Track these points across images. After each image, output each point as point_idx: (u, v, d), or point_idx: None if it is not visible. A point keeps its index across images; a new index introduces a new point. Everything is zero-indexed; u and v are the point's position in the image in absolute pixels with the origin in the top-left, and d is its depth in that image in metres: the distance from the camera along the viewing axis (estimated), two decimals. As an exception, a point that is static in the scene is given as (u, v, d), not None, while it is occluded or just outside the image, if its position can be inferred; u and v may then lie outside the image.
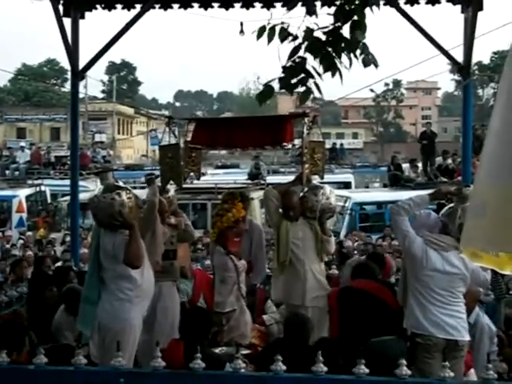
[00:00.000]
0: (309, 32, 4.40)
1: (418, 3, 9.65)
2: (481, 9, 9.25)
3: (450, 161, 23.96)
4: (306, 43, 4.41)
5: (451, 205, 6.77)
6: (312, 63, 4.47)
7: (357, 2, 4.35)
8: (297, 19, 4.54)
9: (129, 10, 10.02)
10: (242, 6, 9.74)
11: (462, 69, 9.84)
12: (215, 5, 9.81)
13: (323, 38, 4.40)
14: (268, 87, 4.53)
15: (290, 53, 4.45)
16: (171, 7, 10.00)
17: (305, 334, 6.64)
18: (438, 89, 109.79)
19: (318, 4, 4.66)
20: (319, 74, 4.45)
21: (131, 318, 6.40)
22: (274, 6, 9.52)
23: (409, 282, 6.53)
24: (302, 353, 6.04)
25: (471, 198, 3.05)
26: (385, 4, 9.32)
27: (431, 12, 10.17)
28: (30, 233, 19.73)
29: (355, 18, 4.35)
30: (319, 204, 8.14)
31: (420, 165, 24.64)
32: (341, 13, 4.35)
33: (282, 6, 9.25)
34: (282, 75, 4.49)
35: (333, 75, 4.44)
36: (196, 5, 9.86)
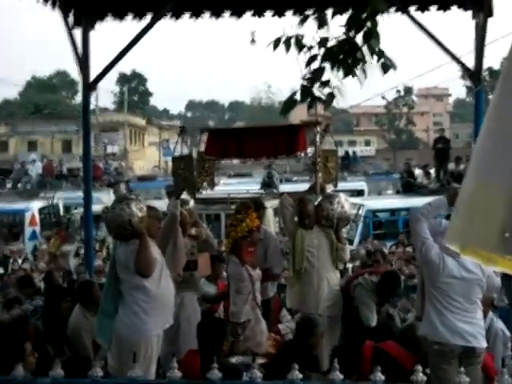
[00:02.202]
0: (324, 41, 4.40)
1: (429, 10, 9.63)
2: (491, 15, 9.22)
3: (462, 167, 23.88)
4: (322, 53, 4.42)
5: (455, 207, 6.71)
6: (329, 71, 4.48)
7: (366, 12, 4.35)
8: (310, 29, 4.55)
9: (140, 19, 10.02)
10: (253, 15, 9.73)
11: (473, 75, 9.79)
12: (226, 13, 9.81)
13: (338, 47, 4.40)
14: (290, 99, 4.53)
15: (307, 62, 4.46)
16: (182, 17, 9.99)
17: (314, 337, 6.65)
18: (450, 95, 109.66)
19: (330, 12, 4.64)
20: (339, 80, 4.46)
21: (147, 329, 6.40)
22: (284, 15, 9.51)
23: (426, 290, 6.49)
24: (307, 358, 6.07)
25: (459, 195, 3.06)
26: (396, 11, 9.32)
27: (442, 18, 10.14)
28: (44, 246, 19.75)
29: (368, 25, 4.34)
30: (335, 212, 8.14)
31: (433, 171, 24.58)
32: (352, 22, 4.35)
33: (294, 13, 9.24)
34: (302, 86, 4.50)
35: (353, 77, 4.44)
36: (207, 13, 9.86)
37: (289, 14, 9.43)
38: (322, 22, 4.46)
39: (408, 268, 12.96)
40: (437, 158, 24.23)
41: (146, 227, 6.49)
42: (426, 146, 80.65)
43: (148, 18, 9.91)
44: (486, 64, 9.81)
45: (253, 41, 9.49)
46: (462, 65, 9.87)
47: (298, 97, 4.52)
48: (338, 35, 4.42)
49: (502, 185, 2.63)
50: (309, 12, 4.67)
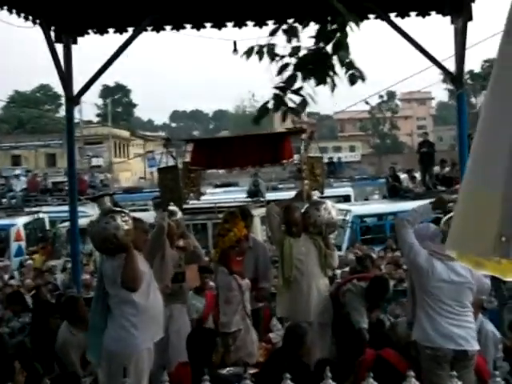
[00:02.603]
0: (295, 51, 4.44)
1: (409, 16, 9.68)
2: (470, 19, 9.27)
3: (447, 169, 23.98)
4: (293, 62, 4.46)
5: (453, 213, 6.73)
6: (301, 80, 4.50)
7: (336, 23, 4.37)
8: (283, 40, 4.58)
9: (121, 33, 10.00)
10: (234, 26, 9.74)
11: (454, 78, 9.85)
12: (208, 25, 9.82)
13: (309, 56, 4.44)
14: (263, 108, 4.55)
15: (279, 71, 4.49)
16: (164, 29, 9.99)
17: (303, 345, 6.65)
18: (432, 99, 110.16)
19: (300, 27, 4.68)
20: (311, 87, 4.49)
21: (137, 343, 6.36)
22: (266, 24, 9.52)
23: (416, 294, 6.51)
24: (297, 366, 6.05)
25: (457, 202, 3.06)
26: (376, 18, 9.37)
27: (422, 23, 10.20)
28: (30, 261, 19.63)
29: (337, 36, 4.38)
30: (322, 219, 8.15)
31: (418, 175, 24.67)
32: (322, 34, 4.39)
33: (274, 23, 9.26)
34: (275, 95, 4.52)
35: (324, 85, 4.46)
36: (188, 26, 9.87)
37: (270, 23, 9.45)
38: (291, 34, 4.50)
39: (397, 272, 12.98)
40: (422, 161, 24.32)
41: (132, 240, 6.46)
42: (410, 149, 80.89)
43: (129, 31, 9.89)
44: (466, 67, 9.87)
45: (235, 50, 9.48)
46: (444, 69, 9.93)
47: (270, 105, 4.54)
48: (309, 45, 4.46)
49: (496, 188, 2.64)
50: (282, 24, 4.67)
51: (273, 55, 4.40)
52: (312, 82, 4.43)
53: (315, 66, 4.38)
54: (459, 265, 6.25)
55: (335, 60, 4.37)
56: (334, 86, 4.44)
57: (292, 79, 4.44)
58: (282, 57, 4.41)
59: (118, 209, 6.76)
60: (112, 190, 34.99)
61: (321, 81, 4.41)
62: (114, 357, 6.32)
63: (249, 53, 4.42)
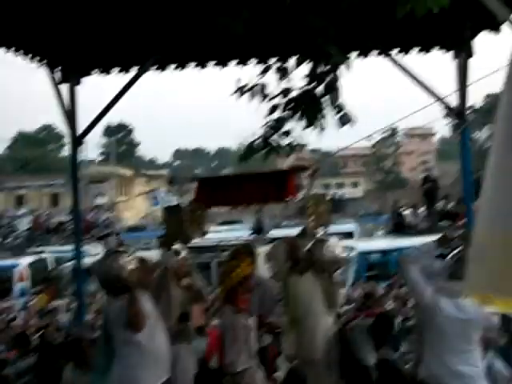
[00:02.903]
0: (286, 92, 4.47)
1: (411, 52, 9.75)
2: (471, 55, 9.36)
3: (451, 204, 23.95)
4: (283, 102, 4.48)
5: (459, 249, 6.72)
6: (292, 120, 4.52)
7: (328, 65, 4.41)
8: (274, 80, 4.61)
9: (125, 72, 10.08)
10: (237, 64, 9.80)
11: (457, 114, 9.87)
12: (211, 63, 9.88)
13: (299, 98, 4.46)
14: (250, 147, 4.58)
15: (269, 112, 4.52)
16: (167, 68, 10.06)
17: None
18: (435, 134, 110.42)
19: (290, 64, 4.71)
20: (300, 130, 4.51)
21: None
22: (268, 63, 9.57)
23: (423, 332, 6.46)
24: None
25: (472, 243, 3.01)
26: (378, 54, 9.43)
27: (424, 59, 10.26)
28: (33, 302, 19.56)
29: (329, 78, 4.40)
30: (326, 257, 8.13)
31: (422, 210, 24.63)
32: (314, 75, 4.42)
33: (277, 61, 9.31)
34: (263, 135, 4.54)
35: (314, 128, 4.49)
36: (192, 64, 9.93)
37: (273, 61, 9.50)
38: (283, 74, 4.54)
39: (404, 309, 12.90)
40: (425, 197, 24.30)
41: (137, 280, 6.43)
42: (413, 185, 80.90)
43: (134, 70, 9.96)
44: (468, 102, 9.91)
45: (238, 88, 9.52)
46: (446, 105, 9.95)
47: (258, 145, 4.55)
48: (300, 86, 4.48)
49: None
50: (277, 62, 4.71)
51: (264, 95, 4.43)
52: (301, 123, 4.46)
53: (305, 108, 4.41)
54: (466, 301, 6.22)
55: (326, 101, 4.40)
56: (322, 128, 4.47)
57: (281, 121, 4.47)
58: (273, 97, 4.44)
59: (123, 248, 6.75)
60: (115, 228, 34.97)
61: (310, 123, 4.43)
62: None
63: (240, 93, 4.45)
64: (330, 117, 4.50)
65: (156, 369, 6.43)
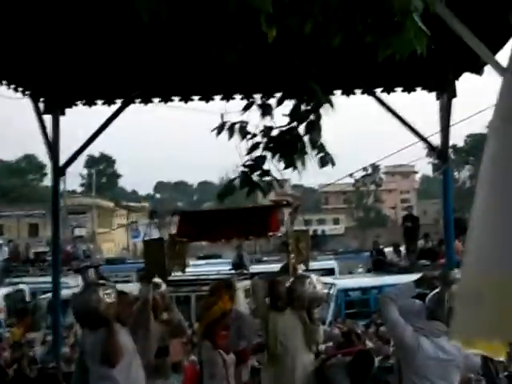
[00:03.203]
0: (267, 131, 4.47)
1: (395, 91, 9.81)
2: (455, 95, 9.44)
3: (431, 244, 24.01)
4: (264, 141, 4.48)
5: (437, 290, 6.72)
6: (271, 158, 4.52)
7: (311, 104, 4.42)
8: (257, 116, 4.62)
9: (109, 105, 10.07)
10: (222, 99, 9.83)
11: (439, 153, 9.95)
12: (195, 98, 9.90)
13: (280, 136, 4.47)
14: (229, 185, 4.56)
15: (248, 150, 4.51)
16: (151, 101, 10.07)
17: None
18: (416, 172, 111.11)
19: (274, 101, 4.73)
20: (279, 170, 4.51)
21: None
22: (252, 97, 9.60)
23: (403, 372, 6.42)
24: None
25: (461, 285, 2.98)
26: (362, 93, 9.50)
27: (407, 99, 10.34)
28: (8, 334, 19.27)
29: (311, 117, 4.42)
30: (307, 293, 8.10)
31: (403, 248, 24.67)
32: (296, 113, 4.43)
33: (262, 97, 9.34)
34: (242, 173, 4.53)
35: (293, 170, 4.49)
36: (176, 98, 9.95)
37: (257, 97, 9.53)
38: (265, 111, 4.54)
39: (383, 348, 12.84)
40: (406, 235, 24.35)
41: (116, 313, 6.36)
42: (394, 223, 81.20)
43: (118, 103, 9.96)
44: (450, 142, 9.98)
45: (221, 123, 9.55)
46: (429, 144, 10.03)
47: (237, 183, 4.54)
48: (281, 124, 4.48)
49: None
50: (260, 98, 4.72)
51: (244, 133, 4.42)
52: (281, 164, 4.46)
53: (286, 148, 4.41)
54: (446, 341, 6.20)
55: (306, 141, 4.40)
56: (302, 168, 4.46)
57: (261, 160, 4.46)
58: (254, 135, 4.43)
59: (102, 281, 6.69)
60: (95, 260, 34.73)
61: (289, 164, 4.43)
62: None
63: (220, 129, 4.44)
64: (311, 156, 4.49)
65: None
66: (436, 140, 9.97)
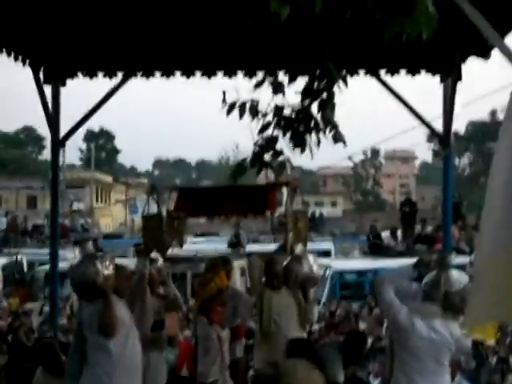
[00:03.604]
0: (278, 110, 4.42)
1: (399, 73, 9.73)
2: (460, 79, 9.33)
3: (429, 229, 24.07)
4: (275, 120, 4.44)
5: (434, 273, 6.74)
6: (283, 138, 4.48)
7: (324, 81, 4.38)
8: (269, 93, 4.57)
9: (110, 78, 10.00)
10: (224, 75, 9.77)
11: (441, 139, 9.89)
12: (198, 73, 9.84)
13: (293, 115, 4.42)
14: (241, 165, 4.52)
15: (260, 130, 4.46)
16: (153, 75, 10.01)
17: None
18: (416, 158, 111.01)
19: (286, 79, 4.69)
20: (291, 150, 4.47)
21: None
22: (255, 75, 9.57)
23: (395, 352, 6.45)
24: None
25: (474, 271, 2.99)
26: (365, 74, 9.43)
27: (411, 82, 10.26)
28: (5, 303, 19.36)
29: (324, 95, 4.37)
30: (303, 273, 8.11)
31: (399, 233, 24.73)
32: (309, 92, 4.38)
33: (264, 74, 9.29)
34: (254, 152, 4.49)
35: (302, 151, 4.45)
36: (178, 73, 9.89)
37: (260, 74, 9.49)
38: (277, 88, 4.49)
39: (376, 329, 12.91)
40: (403, 220, 24.41)
41: (114, 287, 6.37)
42: (392, 207, 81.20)
43: (119, 76, 9.90)
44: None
45: (224, 100, 9.50)
46: (431, 129, 9.97)
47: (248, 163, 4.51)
48: (293, 102, 4.44)
49: None
50: (271, 76, 4.67)
51: (255, 112, 4.38)
52: (293, 141, 4.42)
53: (298, 127, 4.37)
54: (439, 323, 6.25)
55: (319, 119, 4.36)
56: (318, 145, 4.42)
57: (273, 141, 4.42)
58: (265, 114, 4.39)
59: (99, 254, 6.68)
60: (92, 235, 34.79)
61: (301, 143, 4.39)
62: None
63: (231, 108, 4.40)
64: (322, 134, 4.45)
65: (126, 378, 6.34)
66: (437, 126, 9.93)
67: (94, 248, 6.81)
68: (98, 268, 6.26)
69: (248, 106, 4.44)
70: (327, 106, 4.37)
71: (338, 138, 4.46)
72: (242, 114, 4.43)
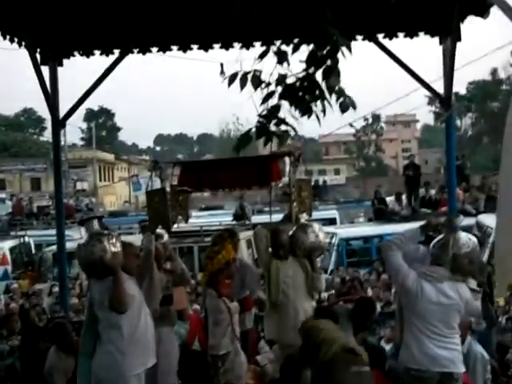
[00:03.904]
0: (281, 79, 4.37)
1: (397, 37, 9.67)
2: (459, 39, 9.26)
3: (433, 192, 24.02)
4: (279, 90, 4.39)
5: (442, 236, 6.73)
6: (287, 107, 4.44)
7: (328, 48, 4.33)
8: (270, 64, 4.53)
9: (107, 55, 9.96)
10: (221, 47, 9.73)
11: (442, 100, 9.85)
12: (194, 47, 9.80)
13: (297, 84, 4.38)
14: (245, 136, 4.48)
15: (263, 100, 4.42)
16: (150, 51, 9.97)
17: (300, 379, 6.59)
18: (417, 121, 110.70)
19: (290, 49, 4.65)
20: (296, 118, 4.43)
21: (124, 370, 6.24)
22: (253, 46, 9.53)
23: (404, 317, 6.48)
24: None
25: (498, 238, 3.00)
26: (363, 39, 9.37)
27: (410, 45, 10.19)
28: (15, 285, 19.48)
29: (328, 62, 4.33)
30: (309, 242, 8.12)
31: (404, 197, 24.69)
32: (312, 59, 4.33)
33: (262, 45, 9.25)
34: (258, 123, 4.46)
35: (309, 117, 4.41)
36: (175, 47, 9.85)
37: (257, 45, 9.46)
38: (282, 58, 4.43)
39: (384, 295, 12.96)
40: (407, 184, 24.34)
41: (122, 264, 6.39)
42: (395, 172, 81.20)
43: (116, 53, 9.86)
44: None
45: (222, 72, 9.48)
46: (432, 90, 9.92)
47: (253, 133, 4.48)
48: (297, 72, 4.40)
49: None
50: (272, 46, 4.61)
51: (258, 82, 4.34)
52: (297, 112, 4.38)
53: (302, 96, 4.33)
54: (448, 287, 6.26)
55: (324, 87, 4.32)
56: (324, 114, 4.38)
57: (276, 109, 4.38)
58: (268, 84, 4.35)
59: (106, 232, 6.67)
60: (97, 213, 34.87)
61: (306, 112, 4.35)
62: (103, 383, 6.26)
63: (232, 79, 4.35)
64: (329, 102, 4.40)
65: (140, 354, 6.38)
66: (438, 87, 9.88)
67: (100, 226, 6.79)
68: (105, 246, 6.27)
69: (250, 76, 4.39)
70: (332, 74, 4.32)
71: (344, 106, 4.41)
72: (243, 85, 4.38)
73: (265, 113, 4.42)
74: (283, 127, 4.43)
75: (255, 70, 4.38)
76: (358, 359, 6.05)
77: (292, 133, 4.51)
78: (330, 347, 6.12)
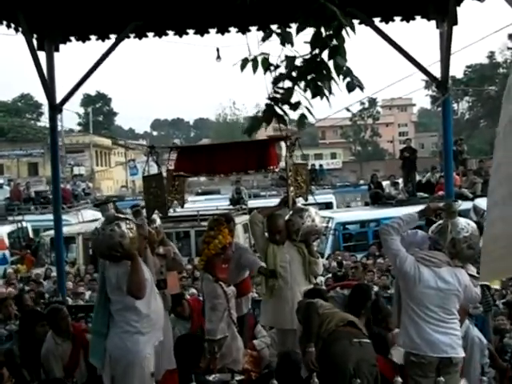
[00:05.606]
0: (290, 60, 4.35)
1: (393, 20, 9.66)
2: (456, 23, 9.23)
3: (429, 176, 24.06)
4: (289, 72, 4.36)
5: (441, 221, 6.74)
6: (298, 90, 4.42)
7: (331, 28, 4.30)
8: (274, 47, 4.50)
9: (103, 40, 9.96)
10: (217, 32, 9.71)
11: (439, 84, 9.83)
12: (190, 31, 9.79)
13: (304, 65, 4.35)
14: (255, 119, 4.47)
15: (274, 82, 4.39)
16: (146, 36, 9.95)
17: (298, 373, 6.61)
18: (414, 105, 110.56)
19: (293, 30, 4.62)
20: (308, 100, 4.41)
21: (140, 350, 6.37)
22: (249, 30, 9.51)
23: (403, 301, 6.48)
24: None
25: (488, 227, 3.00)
26: (360, 23, 9.33)
27: (407, 28, 10.17)
28: (10, 270, 19.51)
29: (333, 43, 4.30)
30: (305, 226, 8.12)
31: (400, 181, 24.72)
32: (317, 39, 4.30)
33: (258, 29, 9.23)
34: (268, 105, 4.44)
35: (321, 98, 4.39)
36: (171, 32, 9.83)
37: (253, 30, 9.44)
38: (285, 39, 4.40)
39: (381, 279, 13.00)
40: (404, 168, 24.38)
41: (137, 248, 6.43)
42: (391, 156, 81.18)
43: (112, 38, 9.85)
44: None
45: (218, 57, 9.47)
46: (429, 74, 9.90)
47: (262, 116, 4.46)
48: (303, 53, 4.37)
49: None
50: (273, 27, 4.58)
51: (267, 65, 4.32)
52: (308, 93, 4.36)
53: (314, 77, 4.30)
54: (446, 271, 6.27)
55: (332, 66, 4.30)
56: (330, 94, 4.37)
57: (289, 92, 4.35)
58: (277, 67, 4.33)
59: (123, 216, 6.67)
60: (94, 198, 34.87)
61: (317, 92, 4.33)
62: (118, 362, 6.36)
63: (244, 64, 4.34)
64: (337, 82, 4.38)
65: (152, 334, 6.51)
66: (435, 71, 9.86)
67: (115, 210, 6.80)
68: (124, 231, 6.30)
69: (260, 59, 4.37)
70: (338, 53, 4.29)
71: (352, 85, 4.38)
72: (255, 68, 4.37)
73: (275, 96, 4.40)
74: (298, 112, 4.41)
75: (263, 53, 4.37)
76: (358, 332, 6.10)
77: (309, 116, 4.50)
78: (331, 320, 6.19)
